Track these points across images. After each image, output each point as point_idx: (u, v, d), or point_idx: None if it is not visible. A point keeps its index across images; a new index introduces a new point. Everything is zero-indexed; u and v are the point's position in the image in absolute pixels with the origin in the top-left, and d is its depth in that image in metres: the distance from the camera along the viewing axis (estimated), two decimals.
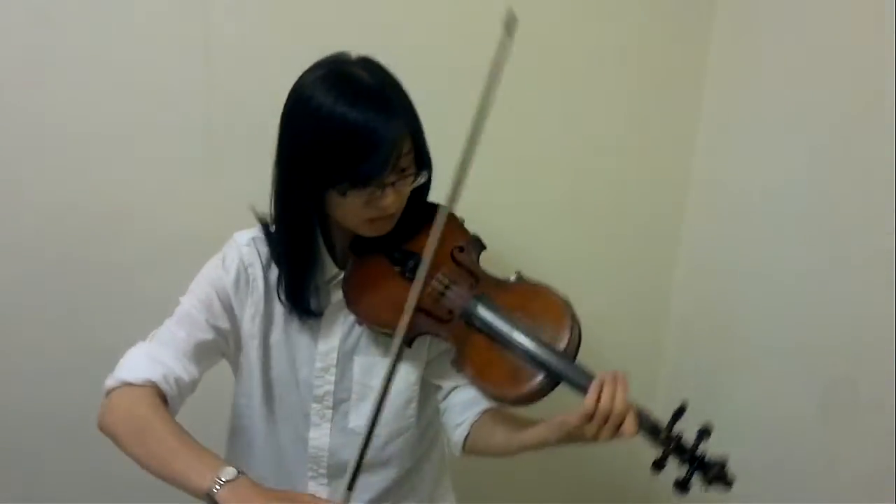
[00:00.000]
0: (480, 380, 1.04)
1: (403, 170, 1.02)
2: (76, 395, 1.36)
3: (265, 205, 1.10)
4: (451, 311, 1.06)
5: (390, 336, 1.04)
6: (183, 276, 1.12)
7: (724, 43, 1.66)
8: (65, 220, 1.46)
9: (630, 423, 0.96)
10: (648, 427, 0.98)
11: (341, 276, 1.12)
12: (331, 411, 1.15)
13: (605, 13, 1.61)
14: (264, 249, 1.12)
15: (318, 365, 1.14)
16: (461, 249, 1.11)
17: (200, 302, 1.08)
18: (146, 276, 1.49)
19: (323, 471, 1.17)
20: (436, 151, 1.09)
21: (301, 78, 1.03)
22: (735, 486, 0.99)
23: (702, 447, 0.99)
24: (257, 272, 1.11)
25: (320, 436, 1.16)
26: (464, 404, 1.17)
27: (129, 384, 0.99)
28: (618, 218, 1.75)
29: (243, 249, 1.11)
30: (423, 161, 1.07)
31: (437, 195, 1.13)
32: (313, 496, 0.90)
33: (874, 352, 1.29)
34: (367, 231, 1.07)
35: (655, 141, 1.72)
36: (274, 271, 1.12)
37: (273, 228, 1.10)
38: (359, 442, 1.04)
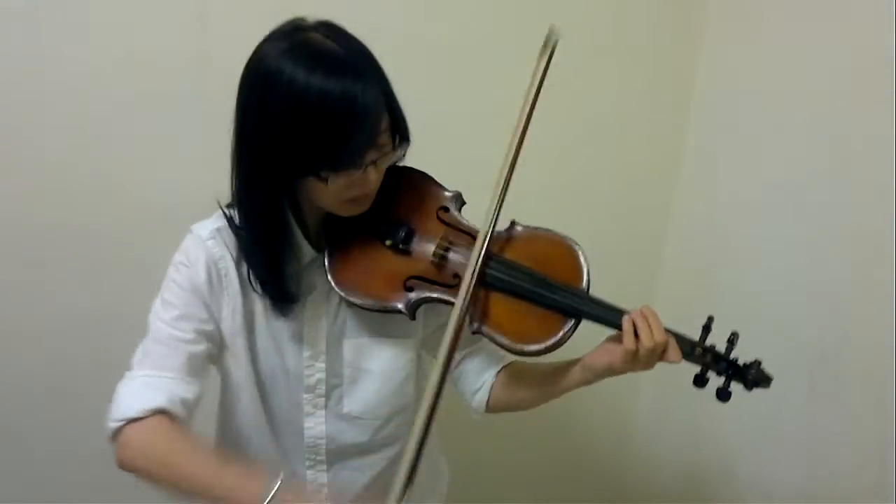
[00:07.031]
0: (505, 336, 1.00)
1: (382, 146, 0.96)
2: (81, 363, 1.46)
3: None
4: (456, 275, 1.03)
5: (384, 313, 1.04)
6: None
7: (718, 32, 1.71)
8: (64, 193, 1.45)
9: (673, 350, 0.98)
10: (684, 346, 1.00)
11: (319, 258, 1.06)
12: (323, 399, 1.12)
13: (598, 8, 1.64)
14: (230, 239, 1.04)
15: (307, 353, 1.09)
16: (445, 210, 1.08)
17: (179, 312, 1.01)
18: (146, 244, 1.42)
19: (322, 458, 1.15)
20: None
21: (262, 51, 0.94)
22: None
23: (734, 353, 1.01)
24: (228, 265, 1.04)
25: (316, 424, 1.13)
26: (478, 370, 1.17)
27: (136, 420, 0.94)
28: (607, 209, 1.78)
29: (208, 244, 1.03)
30: (400, 131, 0.99)
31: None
32: None
33: (860, 326, 1.34)
34: (346, 211, 1.01)
35: (647, 133, 1.76)
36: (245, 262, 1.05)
37: (237, 219, 1.02)
38: (359, 425, 1.10)
